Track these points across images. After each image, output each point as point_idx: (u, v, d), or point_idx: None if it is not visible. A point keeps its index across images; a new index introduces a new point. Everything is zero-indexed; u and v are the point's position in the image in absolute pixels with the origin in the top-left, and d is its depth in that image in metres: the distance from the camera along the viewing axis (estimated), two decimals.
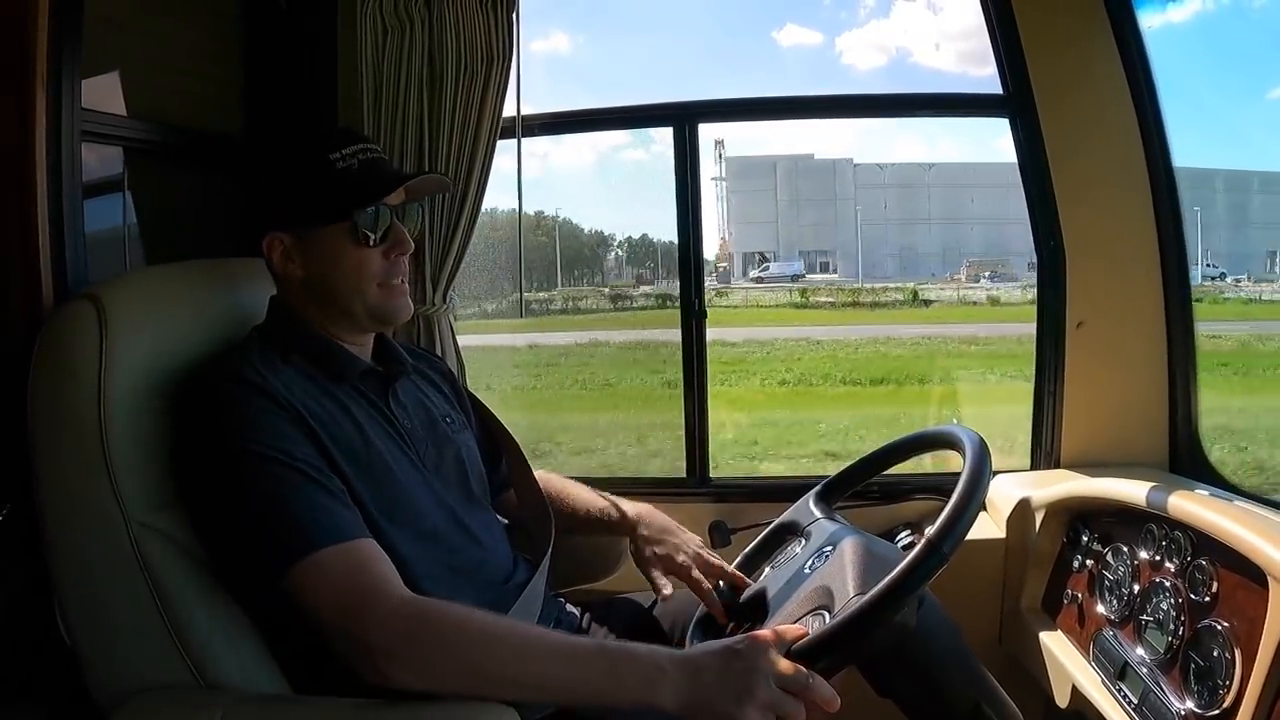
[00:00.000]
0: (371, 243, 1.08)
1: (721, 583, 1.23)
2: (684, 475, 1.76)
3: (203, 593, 0.99)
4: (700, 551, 1.26)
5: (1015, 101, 1.58)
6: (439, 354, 1.58)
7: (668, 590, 1.23)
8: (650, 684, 0.88)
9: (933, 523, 0.94)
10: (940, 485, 1.66)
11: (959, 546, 0.91)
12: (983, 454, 1.01)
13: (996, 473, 1.64)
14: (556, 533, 1.24)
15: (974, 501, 0.94)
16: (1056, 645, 1.39)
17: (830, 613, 0.97)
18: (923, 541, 0.90)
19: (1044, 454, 1.65)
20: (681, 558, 1.24)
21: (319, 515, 0.93)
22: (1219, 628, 1.07)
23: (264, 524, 0.94)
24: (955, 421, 1.14)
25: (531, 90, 1.65)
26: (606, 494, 1.35)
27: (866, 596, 0.90)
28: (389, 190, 1.08)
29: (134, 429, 1.00)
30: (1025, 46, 1.55)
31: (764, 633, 0.93)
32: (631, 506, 1.32)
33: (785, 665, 0.88)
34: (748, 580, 1.22)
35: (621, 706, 0.90)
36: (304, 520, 0.92)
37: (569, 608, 1.28)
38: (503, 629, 0.92)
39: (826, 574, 1.04)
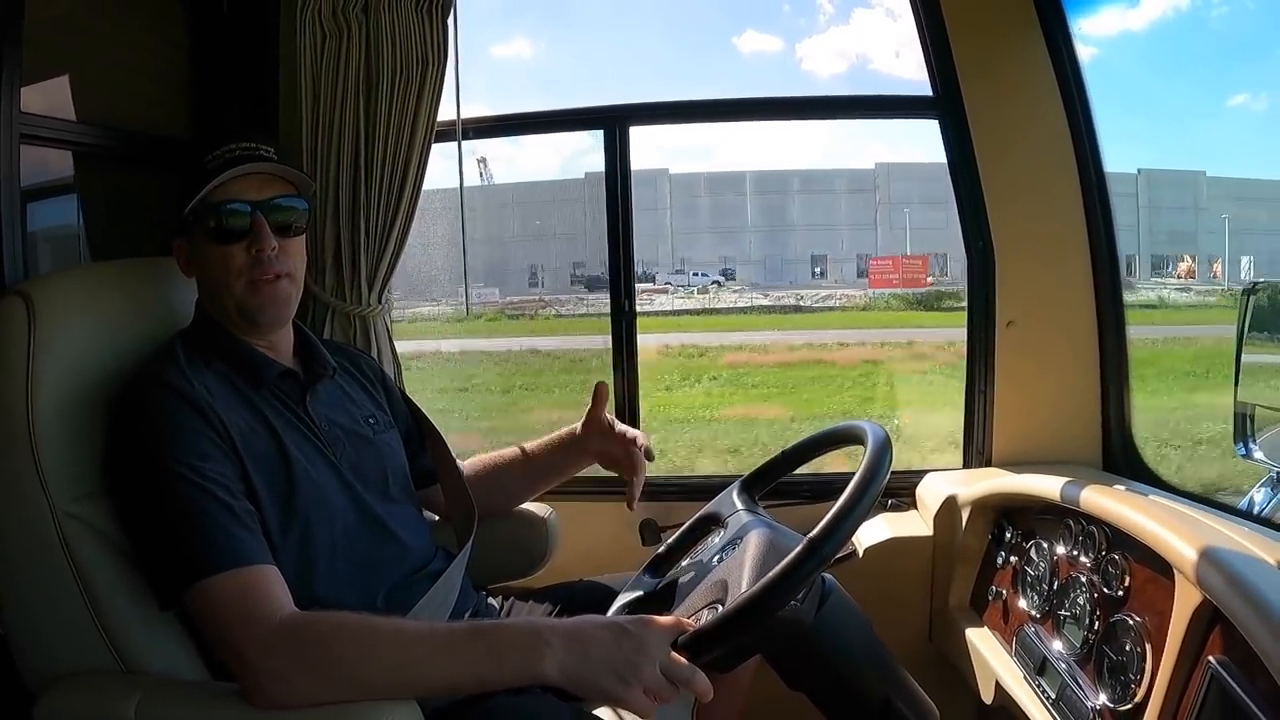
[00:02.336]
0: (228, 239, 1.08)
1: (645, 575, 1.23)
2: (615, 475, 1.75)
3: (125, 580, 1.00)
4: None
5: (944, 102, 1.58)
6: (374, 354, 1.59)
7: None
8: (531, 657, 0.88)
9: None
10: None
11: (841, 546, 0.90)
12: (878, 456, 0.97)
13: (926, 471, 1.65)
14: (479, 527, 1.25)
15: (860, 504, 0.92)
16: (983, 642, 1.39)
17: (723, 606, 0.95)
18: (804, 541, 0.89)
19: (975, 452, 1.64)
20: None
21: (218, 539, 0.94)
22: (1131, 622, 1.07)
23: (166, 542, 0.96)
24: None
25: (480, 94, 1.67)
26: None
27: (744, 595, 0.89)
28: (209, 179, 1.06)
29: (62, 419, 1.02)
30: (954, 46, 1.55)
31: (660, 619, 0.93)
32: (566, 430, 1.38)
33: (673, 654, 0.88)
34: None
35: (510, 684, 0.91)
36: (203, 544, 0.93)
37: (490, 600, 1.28)
38: (383, 633, 0.92)
39: (728, 567, 1.03)
